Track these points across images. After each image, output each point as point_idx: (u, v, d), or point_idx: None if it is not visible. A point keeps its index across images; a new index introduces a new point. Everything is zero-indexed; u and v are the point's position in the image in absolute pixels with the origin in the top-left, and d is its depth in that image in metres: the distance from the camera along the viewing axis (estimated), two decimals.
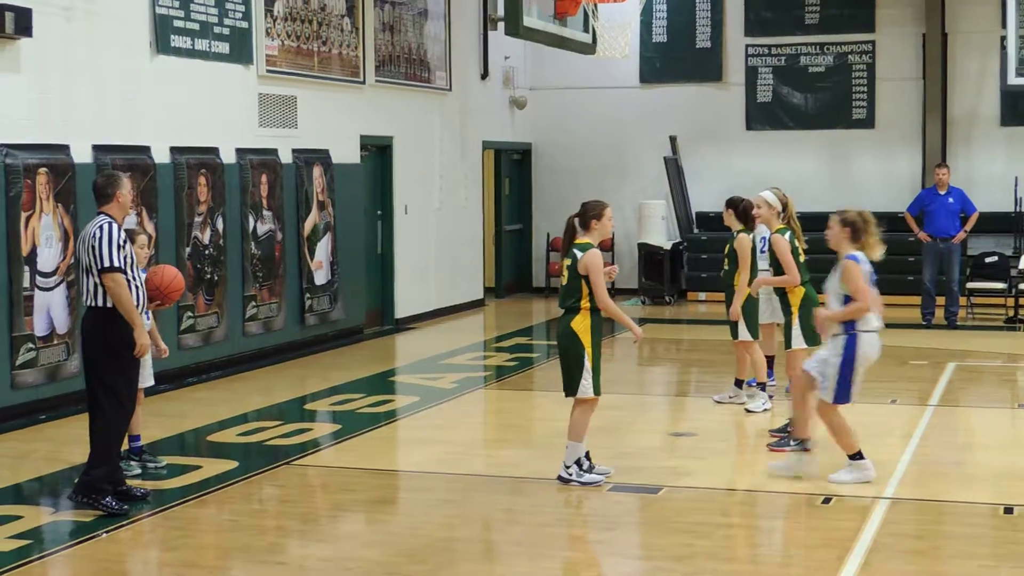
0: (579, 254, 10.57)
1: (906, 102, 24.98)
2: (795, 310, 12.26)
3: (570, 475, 10.69)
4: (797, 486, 10.87)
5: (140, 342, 10.14)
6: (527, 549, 9.25)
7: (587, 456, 10.98)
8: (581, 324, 10.62)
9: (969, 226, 21.16)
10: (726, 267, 13.76)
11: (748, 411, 13.77)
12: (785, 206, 12.51)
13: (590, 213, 10.72)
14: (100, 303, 10.05)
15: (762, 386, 14.04)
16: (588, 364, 10.60)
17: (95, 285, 10.04)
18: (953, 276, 21.00)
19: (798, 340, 12.23)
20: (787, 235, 12.33)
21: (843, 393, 10.58)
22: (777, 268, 12.45)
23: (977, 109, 24.69)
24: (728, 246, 13.82)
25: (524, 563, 8.89)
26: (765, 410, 13.79)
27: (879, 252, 10.60)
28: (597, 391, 10.68)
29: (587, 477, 10.67)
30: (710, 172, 25.62)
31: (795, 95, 25.55)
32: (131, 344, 10.15)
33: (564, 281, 10.73)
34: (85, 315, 10.28)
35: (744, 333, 13.72)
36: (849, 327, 10.50)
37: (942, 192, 21.09)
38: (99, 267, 9.95)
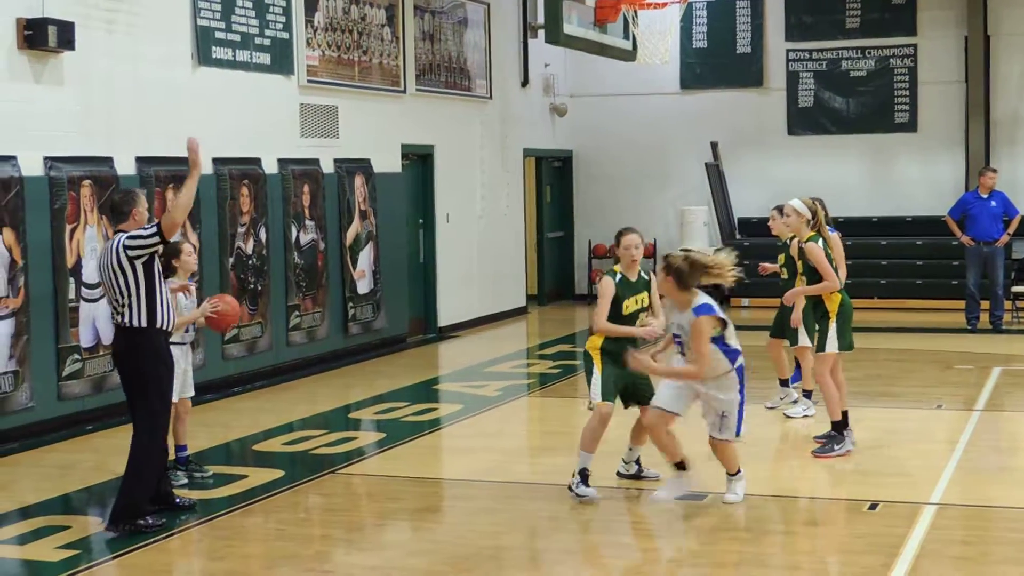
0: None
1: (949, 105, 24.87)
2: (832, 316, 12.16)
3: (572, 484, 10.66)
4: (843, 492, 10.84)
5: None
6: (573, 557, 9.26)
7: (637, 461, 11.01)
8: (593, 343, 10.74)
9: (1012, 229, 21.01)
10: (785, 276, 13.65)
11: (787, 416, 13.72)
12: (815, 214, 12.40)
13: (616, 237, 11.03)
14: (128, 322, 9.93)
15: (807, 393, 13.98)
16: (597, 373, 10.60)
17: (119, 302, 9.91)
18: (997, 280, 20.88)
19: (832, 344, 12.13)
20: (819, 243, 12.24)
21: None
22: (811, 276, 12.36)
23: (1020, 111, 24.57)
24: (783, 255, 13.76)
25: (570, 571, 8.89)
26: (805, 416, 13.74)
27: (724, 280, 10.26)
28: (606, 397, 10.59)
29: (580, 489, 10.56)
30: (752, 178, 25.56)
31: (837, 100, 25.48)
32: (164, 359, 10.11)
33: None
34: (115, 337, 10.22)
35: (804, 339, 13.59)
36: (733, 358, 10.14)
37: (984, 196, 20.97)
38: (154, 243, 9.79)
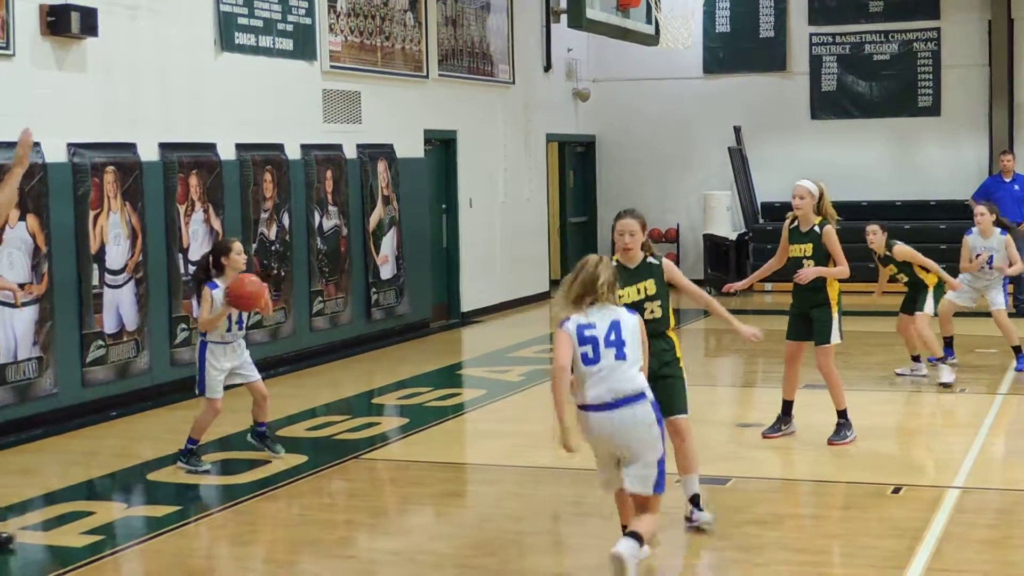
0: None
1: (972, 89, 24.80)
2: (835, 305, 11.97)
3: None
4: (866, 476, 10.82)
5: None
6: (597, 542, 9.25)
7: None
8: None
9: None
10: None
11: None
12: (821, 196, 12.11)
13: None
14: None
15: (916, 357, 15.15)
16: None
17: None
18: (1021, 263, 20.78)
19: (836, 336, 11.97)
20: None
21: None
22: (819, 263, 12.06)
23: None
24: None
25: (594, 556, 8.89)
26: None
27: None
28: None
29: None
30: (775, 162, 25.50)
31: (860, 84, 25.41)
32: None
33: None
34: None
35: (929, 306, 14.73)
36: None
37: (1007, 179, 20.92)
38: None
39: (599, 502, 10.17)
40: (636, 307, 9.04)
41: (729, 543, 9.16)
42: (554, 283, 25.33)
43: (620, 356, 7.88)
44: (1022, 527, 9.51)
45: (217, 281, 11.21)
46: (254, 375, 11.61)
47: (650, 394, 7.94)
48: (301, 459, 11.74)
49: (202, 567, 9.03)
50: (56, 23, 13.31)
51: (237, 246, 11.36)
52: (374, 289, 18.66)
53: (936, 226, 24.26)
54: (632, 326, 8.00)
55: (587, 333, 7.89)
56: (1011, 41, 24.39)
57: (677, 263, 25.57)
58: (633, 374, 7.90)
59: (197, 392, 11.49)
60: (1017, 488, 10.46)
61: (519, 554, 8.96)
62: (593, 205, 27.03)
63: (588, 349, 7.86)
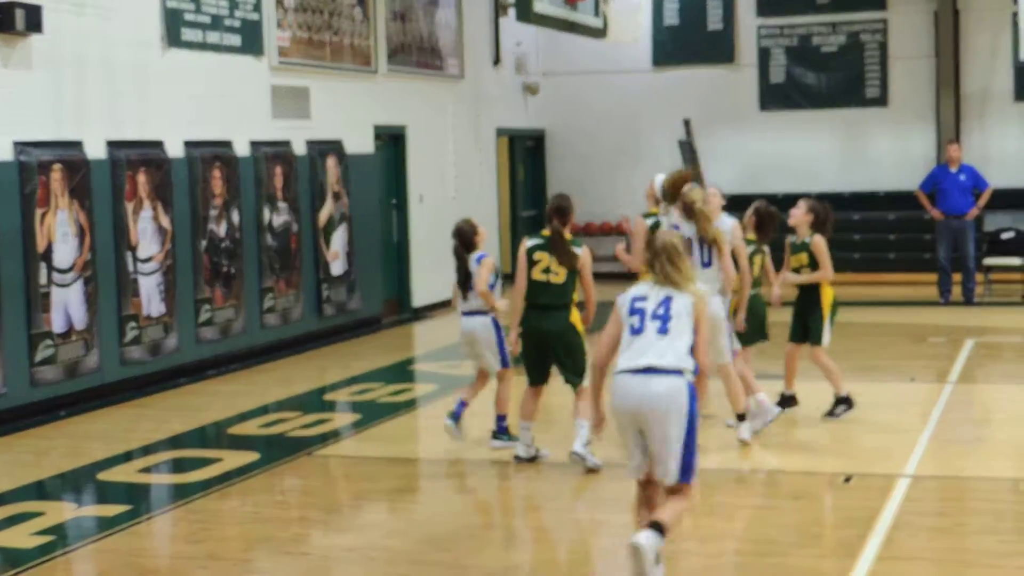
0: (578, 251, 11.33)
1: (919, 80, 24.91)
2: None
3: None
4: (817, 465, 10.87)
5: None
6: (550, 535, 9.28)
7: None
8: (575, 317, 11.30)
9: (982, 202, 21.09)
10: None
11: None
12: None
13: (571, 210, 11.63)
14: None
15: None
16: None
17: None
18: (968, 253, 20.92)
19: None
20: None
21: None
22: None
23: (990, 85, 24.62)
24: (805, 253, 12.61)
25: (547, 549, 8.91)
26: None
27: None
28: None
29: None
30: (725, 154, 25.55)
31: (808, 75, 25.48)
32: None
33: (560, 279, 11.59)
34: None
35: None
36: None
37: (953, 169, 21.04)
38: None
39: (551, 495, 10.19)
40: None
41: (682, 535, 9.18)
42: (506, 277, 25.33)
43: (663, 331, 7.81)
44: (972, 514, 9.57)
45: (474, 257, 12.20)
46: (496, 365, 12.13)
47: (689, 376, 7.77)
48: (253, 456, 11.70)
49: (154, 566, 8.98)
50: (0, 20, 13.21)
51: (475, 220, 12.57)
52: (325, 285, 18.61)
53: (885, 216, 24.40)
54: (684, 306, 7.86)
55: (637, 305, 7.92)
56: (957, 32, 24.52)
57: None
58: (672, 349, 7.77)
59: (498, 368, 12.03)
60: (967, 476, 10.52)
61: (473, 549, 8.95)
62: (543, 199, 26.95)
63: (635, 320, 7.88)
